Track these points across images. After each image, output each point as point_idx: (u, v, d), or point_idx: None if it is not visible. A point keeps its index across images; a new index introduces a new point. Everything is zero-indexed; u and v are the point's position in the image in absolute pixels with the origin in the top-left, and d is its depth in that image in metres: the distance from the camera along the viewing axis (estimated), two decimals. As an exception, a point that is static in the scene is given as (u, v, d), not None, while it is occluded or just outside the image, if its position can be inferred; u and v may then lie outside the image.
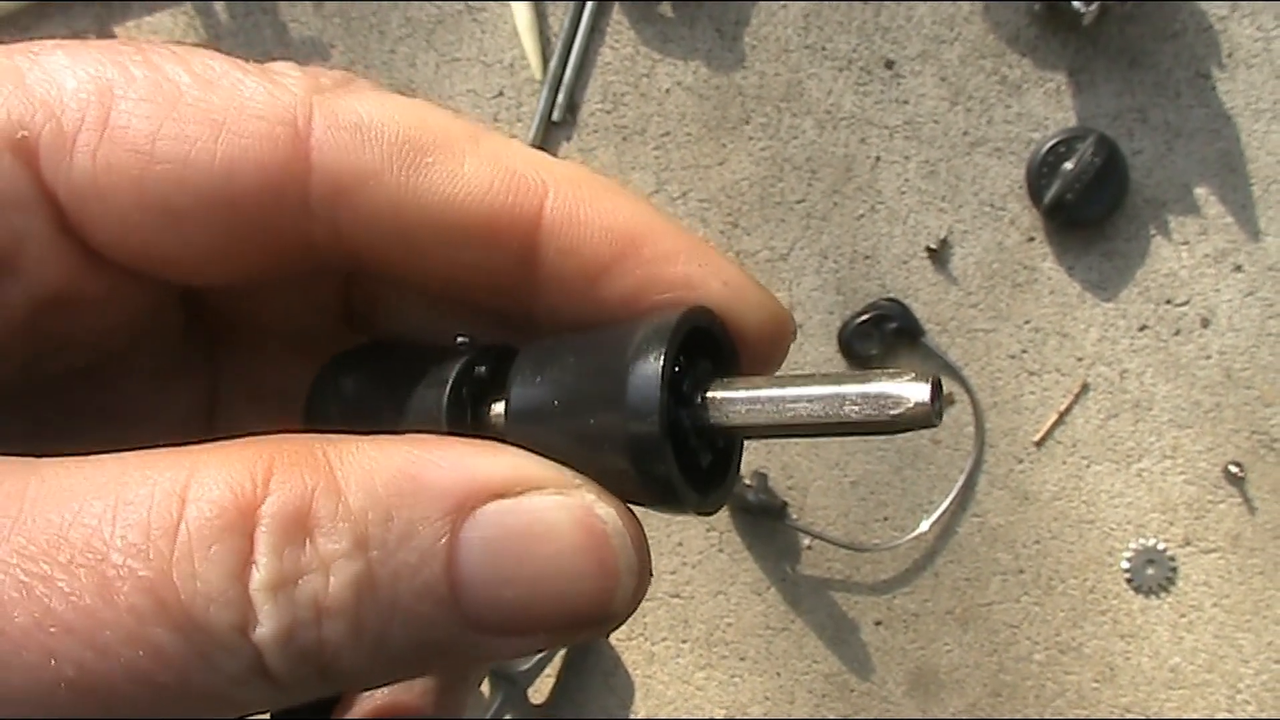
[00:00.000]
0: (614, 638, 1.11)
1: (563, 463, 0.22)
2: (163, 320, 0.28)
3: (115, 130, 0.22)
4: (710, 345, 0.24)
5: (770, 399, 0.22)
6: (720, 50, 1.10)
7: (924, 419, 0.21)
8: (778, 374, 0.24)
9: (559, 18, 1.10)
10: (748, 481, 1.08)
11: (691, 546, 1.11)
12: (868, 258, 1.09)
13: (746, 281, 0.25)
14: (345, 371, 0.27)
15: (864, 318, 1.07)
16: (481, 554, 0.19)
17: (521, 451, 0.21)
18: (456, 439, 0.21)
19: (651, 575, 0.21)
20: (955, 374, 1.08)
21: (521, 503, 0.20)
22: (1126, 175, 1.06)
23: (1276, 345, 1.07)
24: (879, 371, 0.21)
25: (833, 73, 1.10)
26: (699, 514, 0.24)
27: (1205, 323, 1.08)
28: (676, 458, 0.22)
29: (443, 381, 0.24)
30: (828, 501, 1.10)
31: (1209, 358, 1.08)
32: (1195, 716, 1.08)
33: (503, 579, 0.19)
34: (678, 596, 1.11)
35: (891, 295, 1.08)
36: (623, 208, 0.24)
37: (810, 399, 0.22)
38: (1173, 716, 1.08)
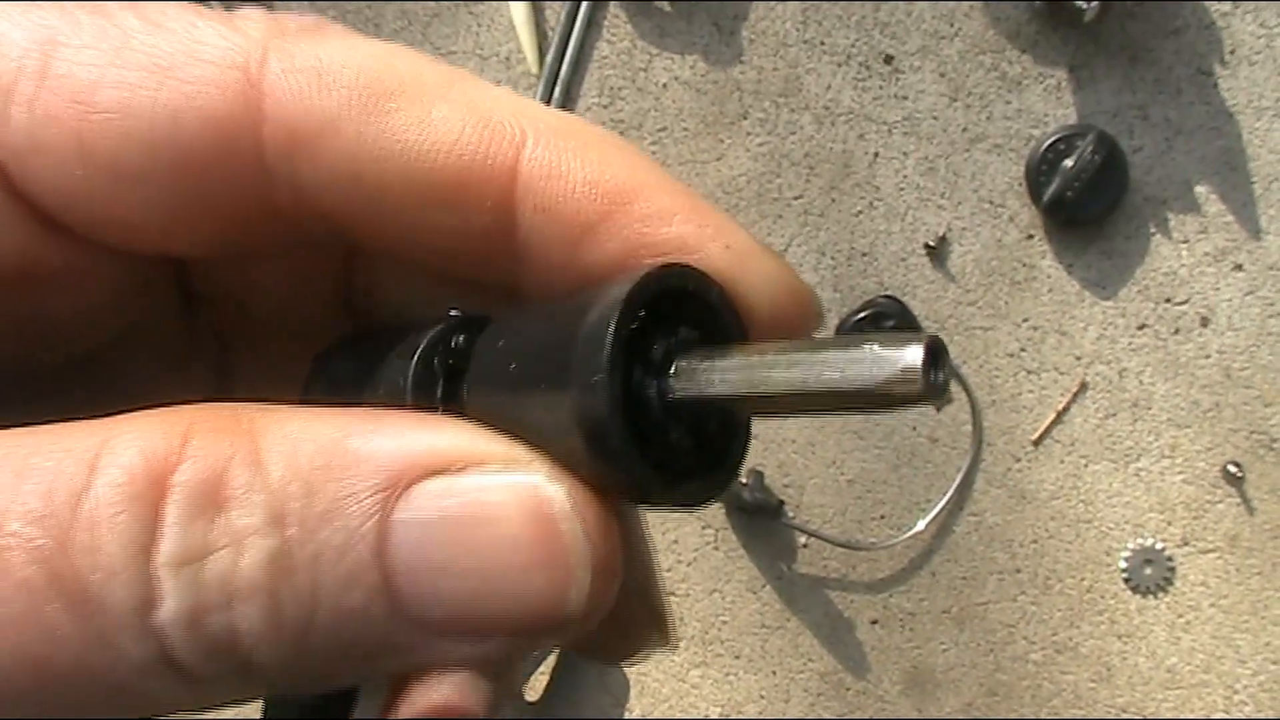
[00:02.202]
0: (609, 635, 1.11)
1: (523, 440, 0.19)
2: (154, 306, 0.26)
3: (55, 79, 0.20)
4: (705, 316, 0.21)
5: (744, 366, 0.19)
6: (718, 45, 1.09)
7: (916, 390, 0.17)
8: (768, 343, 0.21)
9: (556, 11, 1.09)
10: (744, 479, 1.07)
11: (687, 544, 1.10)
12: (865, 254, 1.08)
13: (755, 247, 0.22)
14: (338, 355, 0.25)
15: (861, 315, 1.07)
16: (416, 538, 0.17)
17: (470, 425, 0.19)
18: (398, 410, 0.19)
19: (619, 572, 0.19)
20: (953, 372, 1.08)
21: (460, 481, 0.18)
22: (1126, 173, 1.05)
23: (1277, 345, 1.06)
24: (874, 335, 0.18)
25: (831, 68, 1.09)
26: (681, 506, 0.21)
27: (1205, 322, 1.07)
28: (642, 434, 0.19)
29: (411, 353, 0.22)
30: (824, 500, 1.09)
31: (1208, 357, 1.07)
32: (1192, 717, 1.07)
33: (440, 567, 0.17)
34: (673, 594, 1.10)
35: (889, 293, 1.08)
36: (611, 160, 0.22)
37: (789, 365, 0.19)
38: (1169, 717, 1.08)
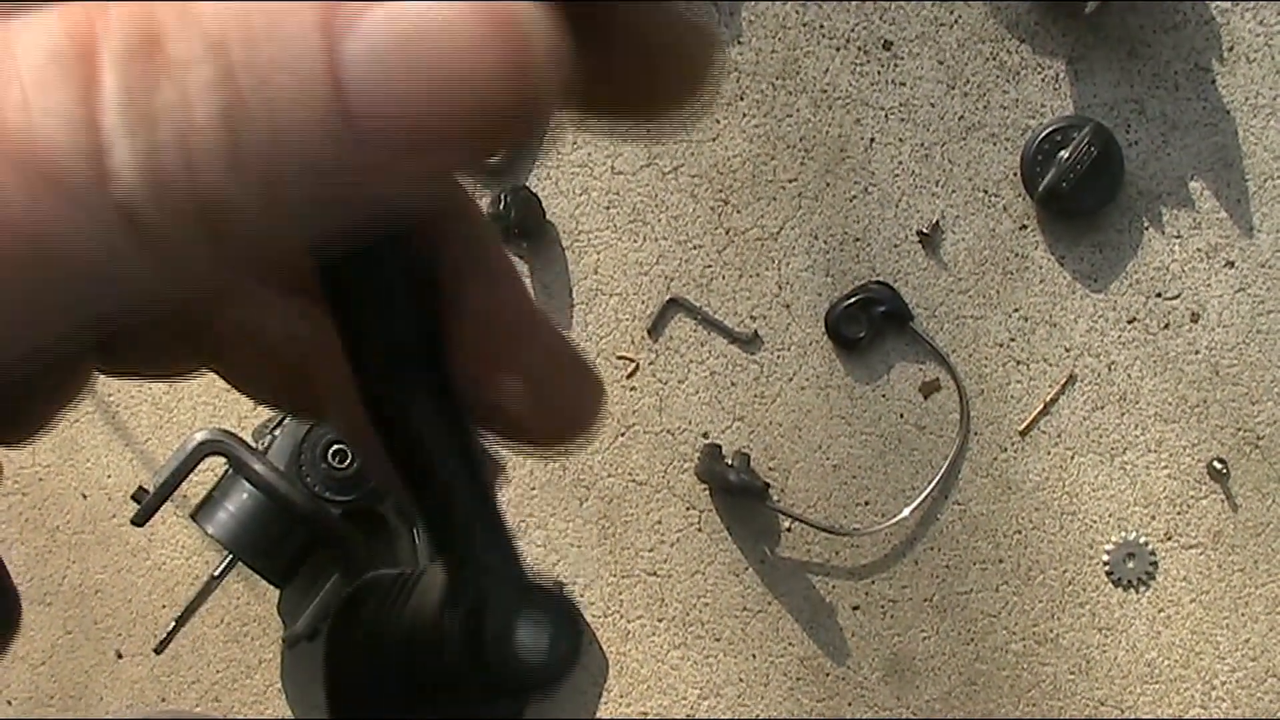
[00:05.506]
0: (589, 614, 1.10)
1: None
2: None
3: None
4: None
5: None
6: (716, 25, 1.08)
7: None
8: None
9: (555, -14, 1.09)
10: (729, 461, 1.07)
11: (670, 525, 1.10)
12: (858, 240, 1.08)
13: None
14: None
15: (852, 300, 1.06)
16: (369, 64, 0.16)
17: None
18: None
19: (567, 61, 0.17)
20: (942, 361, 1.08)
21: (409, 6, 0.16)
22: (1122, 166, 1.05)
23: (1265, 342, 1.07)
24: None
25: (830, 51, 1.08)
26: None
27: (1195, 318, 1.07)
28: None
29: None
30: (809, 484, 1.09)
31: (1197, 353, 1.07)
32: (1170, 712, 1.08)
33: (395, 79, 0.16)
34: (655, 575, 1.10)
35: (881, 278, 1.08)
36: None
37: None
38: (1147, 712, 1.08)
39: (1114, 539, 1.07)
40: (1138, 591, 1.08)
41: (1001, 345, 1.08)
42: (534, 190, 1.08)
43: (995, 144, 1.07)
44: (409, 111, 0.16)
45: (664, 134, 0.22)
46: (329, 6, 0.16)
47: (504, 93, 0.16)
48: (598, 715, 1.11)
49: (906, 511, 1.08)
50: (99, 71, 0.15)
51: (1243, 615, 1.07)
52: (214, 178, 0.16)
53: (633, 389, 1.10)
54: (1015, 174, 1.07)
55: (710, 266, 1.09)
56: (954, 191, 1.08)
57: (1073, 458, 1.08)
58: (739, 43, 1.08)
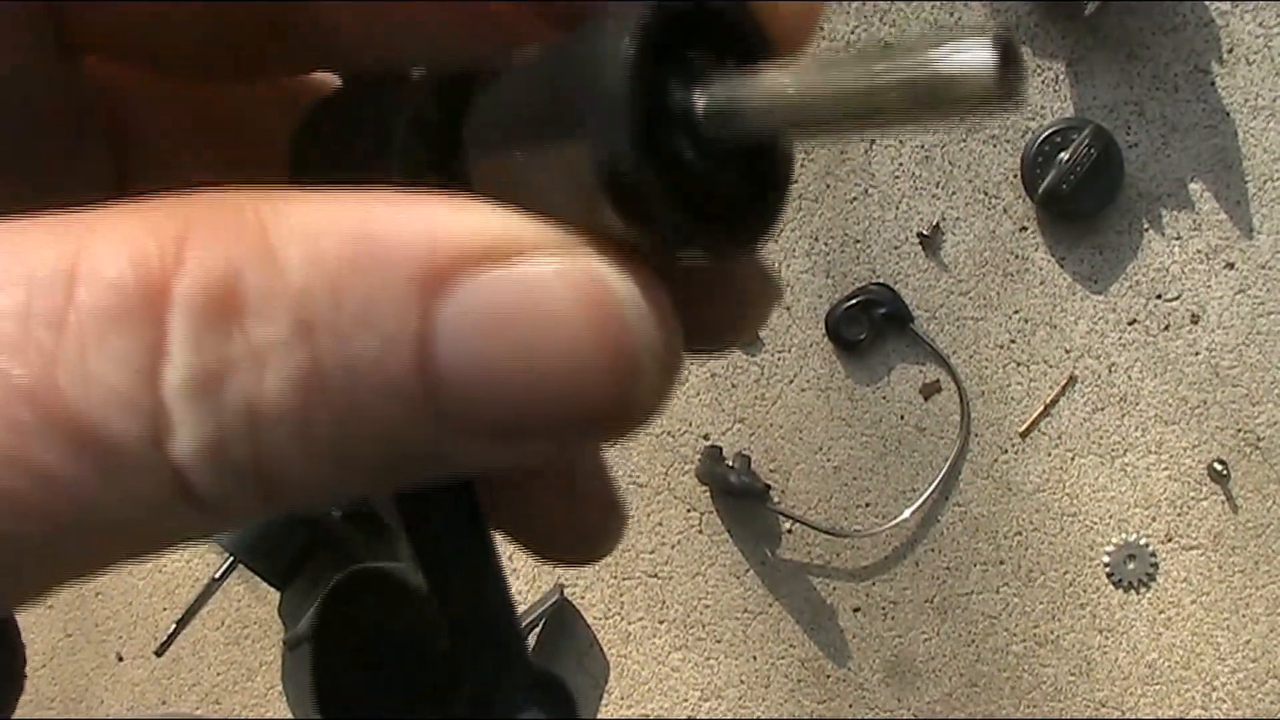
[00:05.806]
0: (590, 616, 1.10)
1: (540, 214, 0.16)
2: (20, 70, 0.20)
3: None
4: (718, 38, 0.17)
5: (790, 82, 0.16)
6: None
7: (988, 86, 0.14)
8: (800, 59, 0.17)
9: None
10: (730, 463, 1.07)
11: (671, 527, 1.10)
12: (858, 242, 1.08)
13: None
14: (326, 123, 0.21)
15: (852, 302, 1.06)
16: (462, 338, 0.15)
17: (501, 206, 0.16)
18: (423, 194, 0.16)
19: (681, 360, 0.16)
20: (942, 362, 1.08)
21: (512, 273, 0.15)
22: (1121, 168, 1.05)
23: (1265, 343, 1.07)
24: (931, 36, 0.15)
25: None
26: (728, 251, 0.17)
27: (1195, 319, 1.07)
28: (675, 179, 0.16)
29: (395, 120, 0.18)
30: (810, 486, 1.09)
31: (1197, 354, 1.07)
32: (1171, 713, 1.08)
33: (490, 371, 0.15)
34: (656, 576, 1.10)
35: (881, 280, 1.08)
36: None
37: (841, 75, 0.15)
38: (1148, 713, 1.08)
39: (1114, 540, 1.08)
40: (1138, 593, 1.08)
41: (1002, 347, 1.08)
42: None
43: (995, 146, 1.07)
44: (498, 397, 0.15)
45: (714, 356, 0.22)
46: (429, 274, 0.15)
47: (599, 391, 0.15)
48: (599, 717, 1.11)
49: (907, 513, 1.08)
50: (166, 339, 0.14)
51: (1243, 616, 1.07)
52: (280, 455, 0.15)
53: (633, 391, 1.10)
54: (1015, 176, 1.07)
55: (711, 268, 1.09)
56: (954, 193, 1.08)
57: (1073, 459, 1.08)
58: (739, 45, 1.09)
